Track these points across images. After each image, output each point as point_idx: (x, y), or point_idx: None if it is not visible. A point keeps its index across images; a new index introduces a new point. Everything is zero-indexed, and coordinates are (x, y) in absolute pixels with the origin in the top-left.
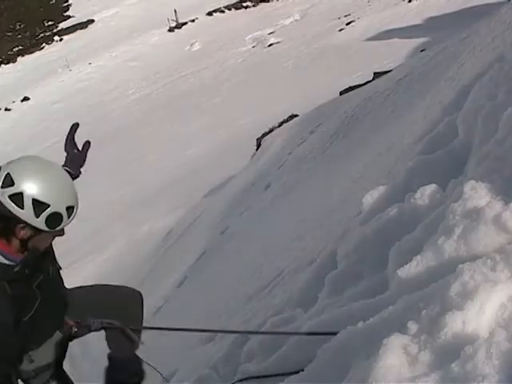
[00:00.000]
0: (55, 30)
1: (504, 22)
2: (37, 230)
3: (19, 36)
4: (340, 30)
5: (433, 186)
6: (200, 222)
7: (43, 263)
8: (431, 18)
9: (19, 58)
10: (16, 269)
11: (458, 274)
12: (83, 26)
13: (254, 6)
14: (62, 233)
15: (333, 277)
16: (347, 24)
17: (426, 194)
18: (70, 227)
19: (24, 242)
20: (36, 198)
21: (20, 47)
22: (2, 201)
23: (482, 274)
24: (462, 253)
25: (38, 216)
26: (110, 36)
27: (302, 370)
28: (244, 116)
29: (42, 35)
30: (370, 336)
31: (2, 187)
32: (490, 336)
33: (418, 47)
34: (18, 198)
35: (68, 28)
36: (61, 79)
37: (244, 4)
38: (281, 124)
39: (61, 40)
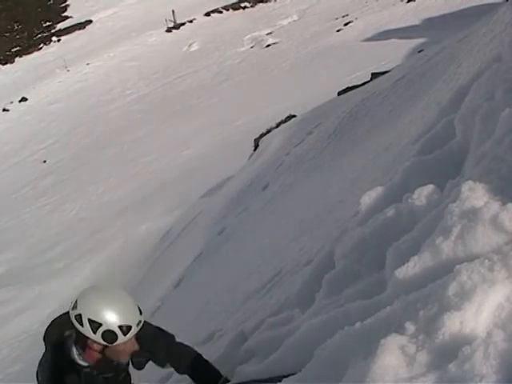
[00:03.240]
0: (53, 31)
1: (502, 23)
2: (108, 347)
3: (17, 36)
4: (338, 31)
5: (430, 187)
6: (197, 223)
7: (116, 369)
8: (429, 19)
9: (17, 59)
10: (85, 370)
11: (456, 275)
12: (81, 26)
13: (251, 6)
14: (129, 346)
15: (330, 277)
16: (345, 24)
17: (423, 194)
18: (70, 227)
19: (100, 352)
20: (89, 318)
21: (18, 48)
22: (72, 321)
23: (479, 274)
24: (459, 253)
25: (95, 333)
26: (108, 36)
27: (300, 371)
28: (242, 116)
29: (39, 36)
30: (368, 336)
31: (71, 310)
32: (487, 336)
33: (416, 48)
34: (78, 318)
35: (66, 28)
36: (59, 80)
37: (242, 4)
38: (278, 124)
39: (59, 40)
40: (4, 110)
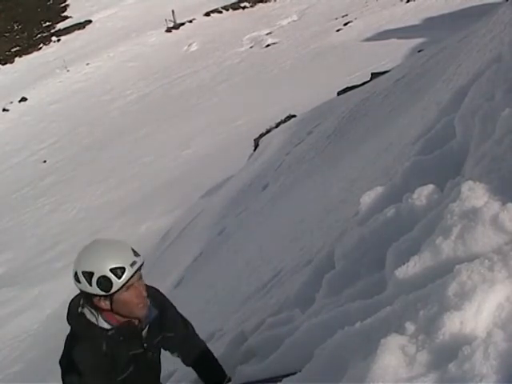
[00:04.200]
0: (53, 31)
1: (502, 23)
2: (106, 296)
3: (17, 36)
4: (338, 31)
5: (430, 187)
6: (197, 223)
7: (143, 339)
8: (429, 19)
9: (17, 59)
10: (110, 332)
11: (456, 275)
12: (81, 26)
13: (251, 6)
14: (135, 293)
15: (330, 277)
16: (345, 24)
17: (423, 194)
18: (70, 227)
19: (112, 310)
20: (82, 270)
21: (17, 48)
22: (74, 283)
23: (479, 274)
24: (459, 253)
25: (90, 284)
26: (108, 36)
27: (300, 371)
28: (241, 116)
29: (39, 36)
30: (368, 336)
31: (91, 284)
32: (487, 336)
33: (416, 48)
34: (76, 277)
35: (66, 28)
36: (58, 80)
37: (242, 4)
38: (278, 124)
39: (58, 40)
40: (4, 110)
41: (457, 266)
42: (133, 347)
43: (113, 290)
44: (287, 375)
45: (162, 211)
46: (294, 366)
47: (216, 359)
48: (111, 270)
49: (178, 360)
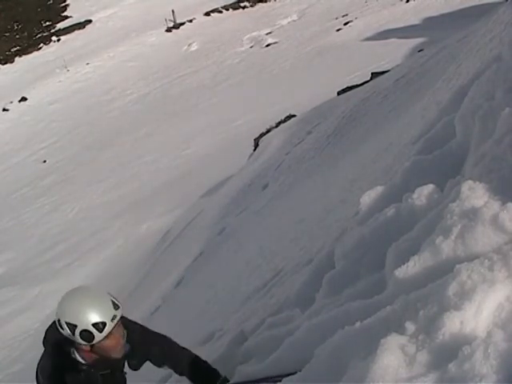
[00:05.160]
0: (53, 31)
1: (502, 22)
2: (87, 344)
3: (17, 36)
4: (337, 31)
5: (430, 186)
6: (197, 223)
7: (112, 366)
8: (429, 18)
9: (17, 59)
10: (84, 367)
11: (456, 274)
12: (81, 26)
13: (251, 6)
14: (115, 341)
15: (330, 277)
16: (345, 24)
17: (423, 194)
18: (70, 227)
19: (91, 351)
20: (66, 321)
21: (18, 47)
22: (76, 340)
23: (479, 273)
24: (459, 253)
25: (73, 334)
26: (108, 36)
27: (300, 371)
28: (241, 116)
29: (39, 35)
30: (368, 336)
31: (73, 334)
32: (487, 336)
33: (416, 47)
34: (59, 323)
35: (66, 28)
36: (58, 79)
37: (242, 4)
38: (278, 124)
39: (58, 40)
40: (4, 109)
41: (457, 266)
42: (102, 370)
43: (94, 341)
44: (287, 375)
45: (161, 211)
46: (294, 366)
47: (206, 363)
48: (93, 325)
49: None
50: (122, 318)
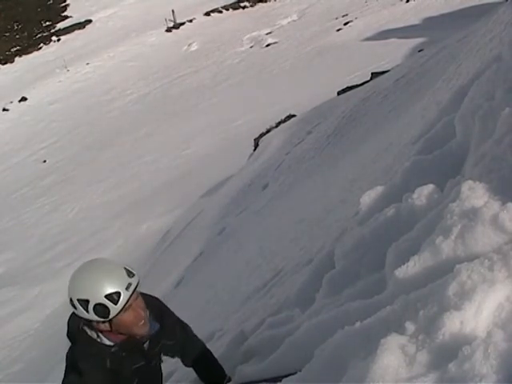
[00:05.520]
0: (53, 31)
1: (502, 22)
2: (112, 322)
3: (17, 36)
4: (338, 31)
5: (430, 186)
6: (197, 223)
7: (145, 352)
8: (429, 18)
9: (17, 58)
10: (113, 349)
11: (456, 274)
12: (81, 26)
13: (251, 6)
14: (135, 314)
15: (330, 277)
16: (345, 24)
17: (423, 194)
18: (70, 227)
19: (113, 330)
20: (78, 298)
21: (18, 47)
22: (92, 318)
23: (479, 273)
24: (459, 253)
25: (88, 311)
26: (108, 36)
27: (300, 371)
28: (241, 116)
29: (39, 35)
30: (368, 336)
31: (88, 312)
32: (487, 336)
33: (416, 47)
34: (72, 303)
35: (66, 28)
36: (58, 79)
37: (242, 4)
38: (278, 124)
39: (58, 40)
40: (4, 109)
41: (457, 266)
42: (135, 361)
43: (111, 316)
44: (287, 375)
45: (162, 211)
46: (294, 366)
47: (215, 359)
48: (106, 297)
49: (178, 360)
50: (149, 295)
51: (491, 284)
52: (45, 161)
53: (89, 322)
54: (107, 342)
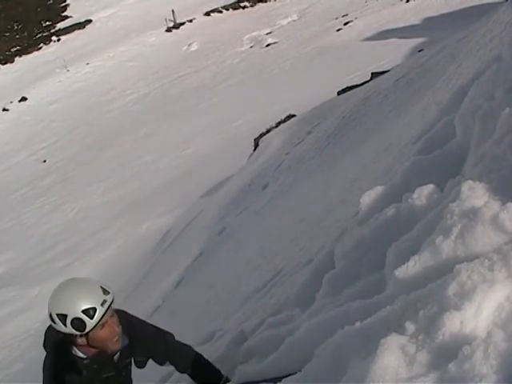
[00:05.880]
0: (53, 30)
1: (502, 22)
2: (82, 335)
3: (17, 36)
4: (338, 31)
5: (430, 186)
6: (197, 223)
7: (115, 364)
8: (429, 18)
9: (17, 58)
10: (85, 361)
11: (456, 274)
12: (81, 26)
13: (251, 6)
14: (109, 330)
15: (330, 277)
16: (345, 24)
17: (423, 194)
18: (70, 227)
19: (89, 345)
20: (56, 312)
21: (18, 47)
22: (70, 331)
23: (479, 274)
24: (459, 253)
25: (66, 325)
26: (108, 36)
27: (300, 371)
28: (241, 116)
29: (39, 35)
30: (368, 336)
31: (65, 325)
32: (487, 336)
33: (416, 47)
34: (51, 317)
35: (66, 28)
36: (58, 79)
37: (242, 4)
38: (278, 124)
39: (58, 40)
40: (4, 109)
41: (457, 266)
42: (106, 371)
43: (87, 329)
44: (287, 375)
45: (162, 211)
46: (294, 366)
47: (208, 362)
48: (83, 311)
49: None
50: (120, 311)
51: (491, 284)
52: (45, 161)
53: (66, 336)
54: (80, 355)
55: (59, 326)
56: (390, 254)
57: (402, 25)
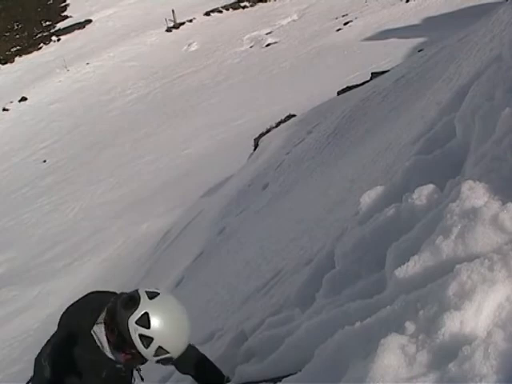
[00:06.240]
0: (53, 30)
1: (502, 22)
2: (131, 346)
3: (17, 36)
4: (338, 30)
5: (430, 186)
6: (197, 222)
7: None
8: (429, 18)
9: (17, 58)
10: (118, 366)
11: (456, 274)
12: (81, 26)
13: (251, 6)
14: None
15: (330, 277)
16: (345, 24)
17: (423, 194)
18: (70, 227)
19: (131, 355)
20: (162, 346)
21: (18, 47)
22: (131, 333)
23: (479, 274)
24: (459, 253)
25: (155, 356)
26: (108, 36)
27: (300, 371)
28: (241, 116)
29: (39, 35)
30: (368, 336)
31: (136, 323)
32: (487, 336)
33: (416, 47)
34: (147, 340)
35: (66, 28)
36: (58, 79)
37: (242, 4)
38: (278, 124)
39: (58, 40)
40: (4, 109)
41: (457, 266)
42: (123, 372)
43: (141, 352)
44: (287, 375)
45: (161, 211)
46: (294, 366)
47: (211, 362)
48: (160, 347)
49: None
50: None
51: (491, 284)
52: (45, 161)
53: (123, 344)
54: (109, 355)
55: (146, 352)
56: (390, 254)
57: (401, 25)
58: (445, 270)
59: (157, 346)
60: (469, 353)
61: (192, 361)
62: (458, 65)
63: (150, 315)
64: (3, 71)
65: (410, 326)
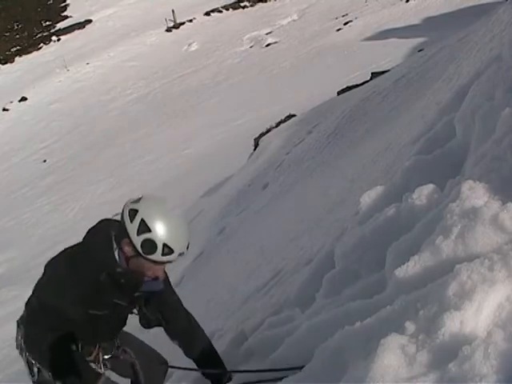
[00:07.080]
0: (53, 30)
1: (502, 22)
2: (135, 251)
3: (17, 36)
4: (338, 30)
5: (430, 186)
6: (197, 222)
7: (132, 297)
8: (429, 18)
9: (17, 58)
10: (119, 269)
11: (456, 274)
12: (81, 26)
13: (251, 5)
14: (156, 271)
15: (330, 277)
16: (345, 24)
17: (423, 193)
18: (70, 227)
19: (129, 261)
20: (143, 218)
21: (18, 47)
22: (124, 212)
23: (479, 273)
24: (459, 253)
25: (138, 234)
26: (108, 36)
27: (300, 371)
28: (241, 116)
29: (39, 35)
30: (368, 336)
31: (131, 202)
32: (487, 336)
33: (416, 47)
34: (133, 213)
35: (66, 28)
36: (58, 79)
37: (242, 4)
38: (278, 124)
39: (58, 40)
40: (4, 109)
41: (457, 266)
42: (120, 297)
43: (147, 256)
44: (287, 375)
45: None
46: (294, 366)
47: (219, 356)
48: (163, 245)
49: (178, 359)
50: None
51: (491, 284)
52: (45, 160)
53: (121, 236)
54: (117, 258)
55: (131, 227)
56: (390, 253)
57: (401, 25)
58: (445, 270)
59: (140, 219)
60: (469, 353)
61: (200, 346)
62: (458, 65)
63: (142, 197)
64: (3, 71)
65: (410, 326)
